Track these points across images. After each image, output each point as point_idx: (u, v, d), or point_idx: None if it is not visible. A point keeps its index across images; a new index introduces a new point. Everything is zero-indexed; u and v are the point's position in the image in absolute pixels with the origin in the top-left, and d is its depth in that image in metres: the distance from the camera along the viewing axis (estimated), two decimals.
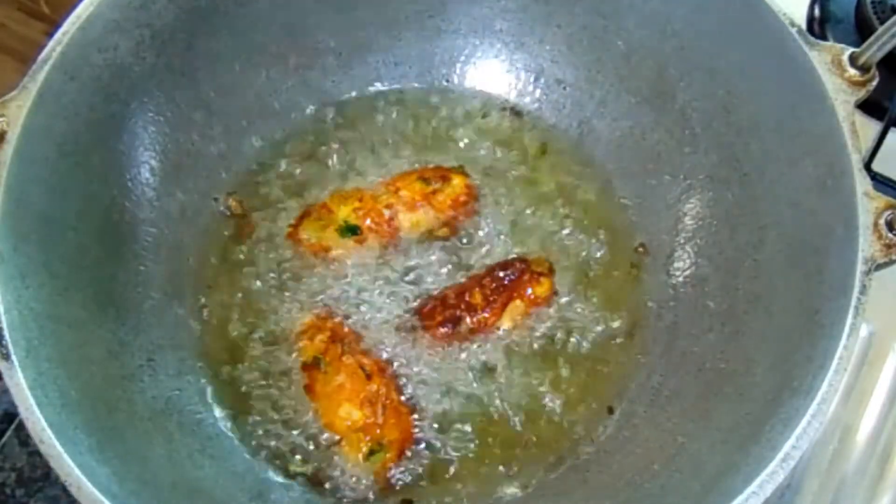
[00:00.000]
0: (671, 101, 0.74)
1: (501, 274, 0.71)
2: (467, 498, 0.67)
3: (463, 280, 0.74)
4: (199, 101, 0.75)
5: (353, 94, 0.83)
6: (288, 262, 0.75)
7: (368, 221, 0.74)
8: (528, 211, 0.78)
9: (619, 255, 0.76)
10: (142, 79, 0.69)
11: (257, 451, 0.68)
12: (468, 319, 0.70)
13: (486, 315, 0.70)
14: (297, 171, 0.80)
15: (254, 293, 0.74)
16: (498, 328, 0.72)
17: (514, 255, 0.75)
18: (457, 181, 0.76)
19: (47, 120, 0.61)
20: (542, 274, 0.72)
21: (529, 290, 0.71)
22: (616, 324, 0.73)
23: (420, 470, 0.67)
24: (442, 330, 0.70)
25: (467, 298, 0.71)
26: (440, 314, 0.70)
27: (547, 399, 0.70)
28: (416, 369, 0.70)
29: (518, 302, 0.71)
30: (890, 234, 0.53)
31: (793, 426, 0.50)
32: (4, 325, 0.53)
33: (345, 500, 0.66)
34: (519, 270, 0.72)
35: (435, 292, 0.73)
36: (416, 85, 0.83)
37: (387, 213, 0.75)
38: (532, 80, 0.82)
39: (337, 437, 0.67)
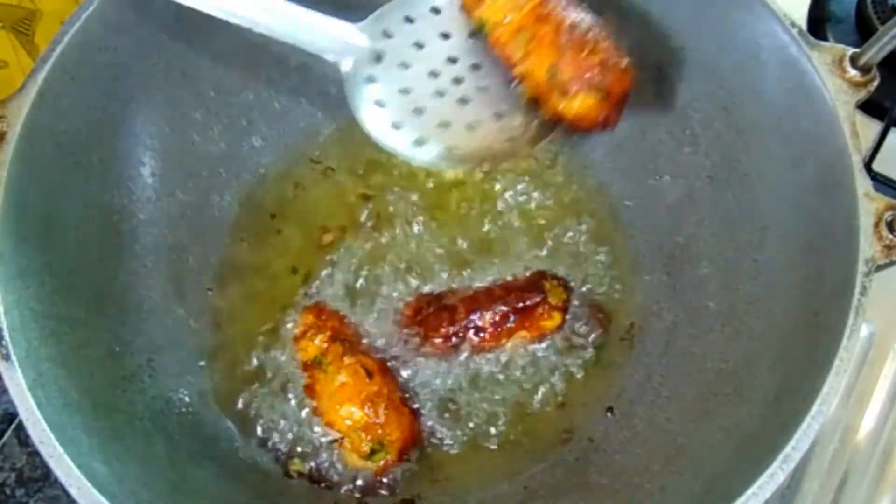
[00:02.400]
0: (671, 101, 0.74)
1: (516, 304, 0.70)
2: (467, 498, 0.67)
3: (472, 285, 0.73)
4: (199, 101, 0.75)
5: None
6: (289, 261, 0.75)
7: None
8: (528, 209, 0.78)
9: (618, 256, 0.76)
10: (142, 79, 0.69)
11: (258, 451, 0.68)
12: (472, 339, 0.70)
13: (490, 339, 0.70)
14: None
15: (254, 293, 0.74)
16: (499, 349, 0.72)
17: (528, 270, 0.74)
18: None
19: (47, 120, 0.61)
20: (556, 308, 0.71)
21: (539, 323, 0.71)
22: (616, 323, 0.73)
23: (420, 470, 0.67)
24: (444, 343, 0.70)
25: (476, 320, 0.70)
26: (445, 326, 0.70)
27: (547, 399, 0.70)
28: (416, 370, 0.70)
29: (524, 332, 0.71)
30: (890, 236, 0.53)
31: (793, 427, 0.50)
32: (4, 326, 0.53)
33: (345, 500, 0.66)
34: (534, 302, 0.71)
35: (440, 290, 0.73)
36: None
37: None
38: None
39: (338, 437, 0.67)
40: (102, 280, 0.66)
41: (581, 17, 0.58)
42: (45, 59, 0.60)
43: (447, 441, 0.69)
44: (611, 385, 0.71)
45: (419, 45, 0.61)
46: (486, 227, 0.77)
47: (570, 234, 0.77)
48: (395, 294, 0.74)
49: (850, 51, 0.59)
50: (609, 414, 0.69)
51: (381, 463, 0.65)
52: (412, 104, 0.60)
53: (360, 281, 0.74)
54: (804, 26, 0.61)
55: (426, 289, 0.74)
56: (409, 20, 0.62)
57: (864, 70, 0.58)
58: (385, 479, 0.66)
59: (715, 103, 0.70)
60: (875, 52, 0.57)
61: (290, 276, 0.75)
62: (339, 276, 0.75)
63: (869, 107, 0.73)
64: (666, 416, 0.66)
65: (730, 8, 0.65)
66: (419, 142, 0.59)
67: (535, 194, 0.79)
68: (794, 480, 0.70)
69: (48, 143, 0.61)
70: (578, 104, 0.57)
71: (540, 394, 0.70)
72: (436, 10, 0.62)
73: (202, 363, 0.71)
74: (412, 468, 0.67)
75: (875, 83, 0.58)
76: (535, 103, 0.59)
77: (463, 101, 0.60)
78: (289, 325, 0.72)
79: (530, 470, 0.68)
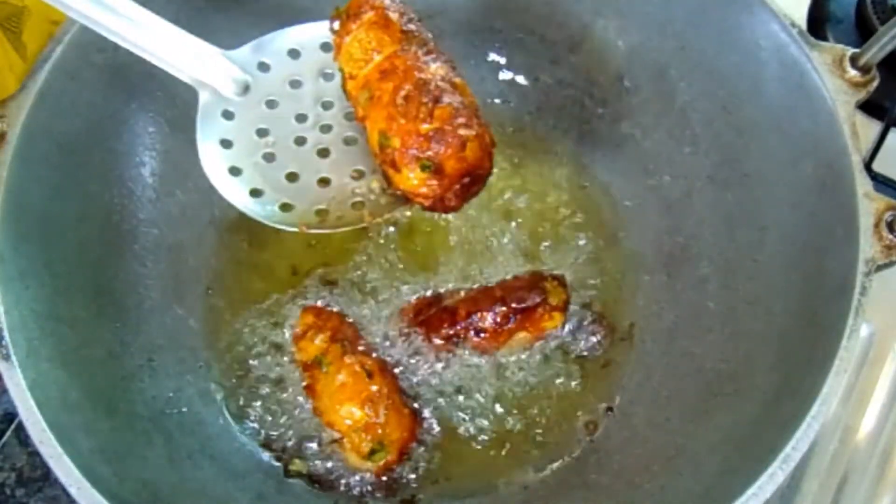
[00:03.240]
0: (671, 101, 0.74)
1: (517, 304, 0.70)
2: (467, 498, 0.67)
3: (472, 285, 0.73)
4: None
5: None
6: (289, 262, 0.75)
7: None
8: (528, 209, 0.78)
9: (618, 256, 0.76)
10: (142, 79, 0.69)
11: (258, 451, 0.68)
12: (473, 340, 0.70)
13: (490, 339, 0.70)
14: None
15: (254, 293, 0.74)
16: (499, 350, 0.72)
17: (528, 270, 0.74)
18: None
19: (47, 120, 0.61)
20: (556, 308, 0.71)
21: (539, 324, 0.71)
22: (616, 324, 0.73)
23: (420, 470, 0.67)
24: (445, 344, 0.70)
25: (476, 321, 0.70)
26: (445, 327, 0.70)
27: (546, 399, 0.70)
28: (417, 370, 0.70)
29: (524, 333, 0.71)
30: (890, 236, 0.53)
31: (793, 427, 0.50)
32: (5, 326, 0.53)
33: (345, 500, 0.66)
34: (535, 303, 0.70)
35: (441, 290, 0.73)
36: None
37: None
38: (533, 80, 0.82)
39: (338, 437, 0.67)
40: (102, 280, 0.66)
41: (435, 76, 0.49)
42: (45, 59, 0.60)
43: (447, 441, 0.69)
44: (611, 385, 0.71)
45: (295, 83, 0.55)
46: (487, 228, 0.77)
47: (570, 234, 0.77)
48: (395, 294, 0.74)
49: (850, 51, 0.59)
50: (609, 414, 0.70)
51: (381, 463, 0.65)
52: (263, 148, 0.53)
53: (360, 281, 0.74)
54: (804, 26, 0.62)
55: (427, 289, 0.74)
56: (293, 54, 0.56)
57: (864, 70, 0.58)
58: (385, 479, 0.66)
59: (715, 103, 0.70)
60: (875, 52, 0.58)
61: (290, 276, 0.75)
62: (339, 277, 0.74)
63: (869, 107, 0.73)
64: (666, 416, 0.66)
65: (730, 8, 0.65)
66: (255, 193, 0.52)
67: (535, 194, 0.79)
68: (793, 480, 0.70)
69: (48, 143, 0.61)
70: (405, 179, 0.49)
71: (540, 394, 0.70)
72: (326, 47, 0.55)
73: (202, 363, 0.71)
74: (412, 468, 0.67)
75: (875, 83, 0.59)
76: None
77: (323, 152, 0.54)
78: (289, 326, 0.72)
79: (530, 470, 0.68)
